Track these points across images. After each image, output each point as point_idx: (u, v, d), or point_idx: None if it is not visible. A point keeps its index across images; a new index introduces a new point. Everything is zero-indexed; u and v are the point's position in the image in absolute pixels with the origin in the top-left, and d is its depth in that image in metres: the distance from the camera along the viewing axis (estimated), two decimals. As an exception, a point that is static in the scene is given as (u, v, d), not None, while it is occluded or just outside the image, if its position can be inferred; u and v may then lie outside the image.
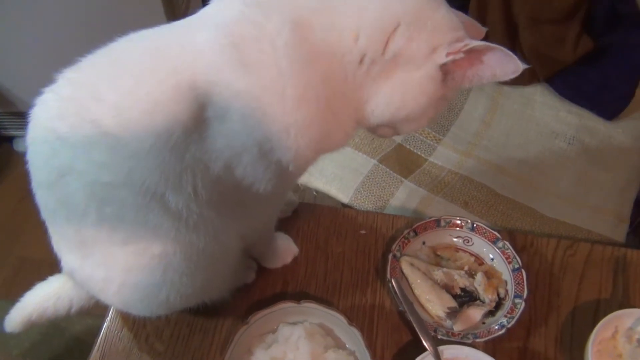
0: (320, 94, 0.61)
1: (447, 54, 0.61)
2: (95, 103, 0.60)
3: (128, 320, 0.87)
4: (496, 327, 0.81)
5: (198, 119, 0.59)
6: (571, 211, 1.33)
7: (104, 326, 0.87)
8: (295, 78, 0.59)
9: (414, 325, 0.79)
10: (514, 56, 0.60)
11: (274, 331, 0.82)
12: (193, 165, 0.61)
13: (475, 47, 0.61)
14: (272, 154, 0.61)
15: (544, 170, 1.42)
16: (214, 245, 0.71)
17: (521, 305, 0.82)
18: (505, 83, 1.56)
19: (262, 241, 0.88)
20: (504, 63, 0.61)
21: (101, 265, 0.69)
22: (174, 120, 0.58)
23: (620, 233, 1.31)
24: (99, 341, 0.86)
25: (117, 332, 0.86)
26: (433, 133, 1.46)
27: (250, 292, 0.89)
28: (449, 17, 0.64)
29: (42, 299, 0.82)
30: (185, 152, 0.60)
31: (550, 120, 1.49)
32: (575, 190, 1.37)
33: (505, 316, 0.82)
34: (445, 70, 0.63)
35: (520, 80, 1.55)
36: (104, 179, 0.61)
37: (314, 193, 1.32)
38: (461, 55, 0.61)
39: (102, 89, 0.61)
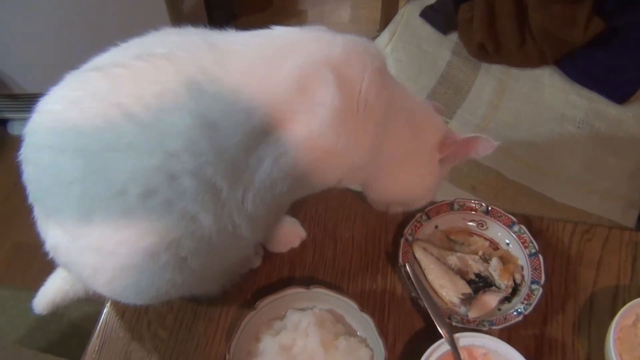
0: None
1: (444, 150, 0.79)
2: (195, 92, 0.60)
3: (129, 305, 0.83)
4: (513, 314, 0.78)
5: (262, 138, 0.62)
6: (580, 196, 1.31)
7: (104, 312, 0.84)
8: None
9: (429, 311, 0.76)
10: (489, 139, 0.76)
11: (281, 317, 0.79)
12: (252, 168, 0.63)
13: (463, 140, 0.78)
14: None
15: (552, 154, 1.40)
16: (232, 245, 0.70)
17: (538, 292, 0.79)
18: (514, 65, 1.53)
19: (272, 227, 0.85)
20: (483, 145, 0.77)
21: (94, 251, 0.64)
22: (257, 125, 0.61)
23: (630, 218, 1.29)
24: (98, 327, 0.82)
25: (118, 318, 0.83)
26: (440, 116, 1.43)
27: (256, 278, 0.86)
28: (436, 118, 0.81)
29: (61, 282, 0.80)
30: (249, 157, 0.62)
31: (559, 103, 1.47)
32: (585, 175, 1.35)
33: (522, 303, 0.79)
34: (441, 159, 0.80)
35: (529, 63, 1.52)
36: (170, 167, 0.59)
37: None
38: (453, 148, 0.78)
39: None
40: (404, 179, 0.80)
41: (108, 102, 0.60)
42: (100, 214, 0.62)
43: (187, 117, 0.60)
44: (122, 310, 0.84)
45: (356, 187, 0.93)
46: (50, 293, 0.81)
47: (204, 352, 0.80)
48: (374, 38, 1.68)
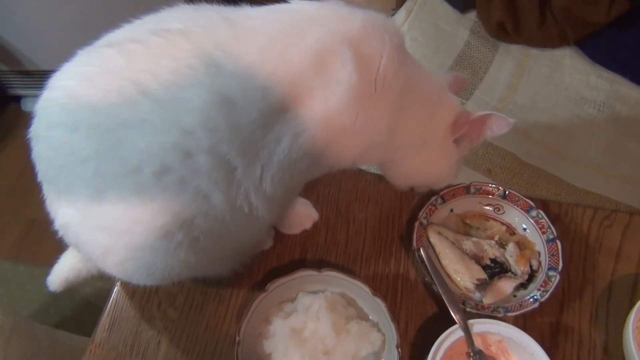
0: None
1: (456, 131, 0.76)
2: (215, 69, 0.59)
3: (139, 285, 0.82)
4: (529, 301, 0.76)
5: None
6: (599, 181, 1.27)
7: (114, 290, 0.83)
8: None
9: (443, 296, 0.74)
10: (504, 116, 0.73)
11: (292, 300, 0.78)
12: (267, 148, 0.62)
13: (476, 118, 0.74)
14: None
15: (571, 137, 1.35)
16: (247, 226, 0.69)
17: (555, 279, 0.77)
18: (534, 45, 1.49)
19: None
20: (498, 123, 0.74)
21: (106, 231, 0.63)
22: (275, 102, 0.59)
23: (651, 205, 1.25)
24: (109, 306, 0.82)
25: (128, 298, 0.83)
26: (456, 97, 1.40)
27: (267, 259, 0.85)
28: (450, 98, 0.77)
29: (75, 260, 0.80)
30: (267, 135, 0.61)
31: (580, 85, 1.42)
32: (604, 160, 1.31)
33: (538, 289, 0.77)
34: (456, 140, 0.78)
35: (550, 43, 1.47)
36: (185, 144, 0.58)
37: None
38: (466, 127, 0.75)
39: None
40: (420, 163, 0.78)
41: (123, 78, 0.59)
42: (114, 192, 0.61)
43: (203, 94, 0.58)
44: (133, 289, 0.83)
45: (369, 168, 0.92)
46: (64, 271, 0.81)
47: (214, 333, 0.79)
48: (390, 16, 1.64)
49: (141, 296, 0.83)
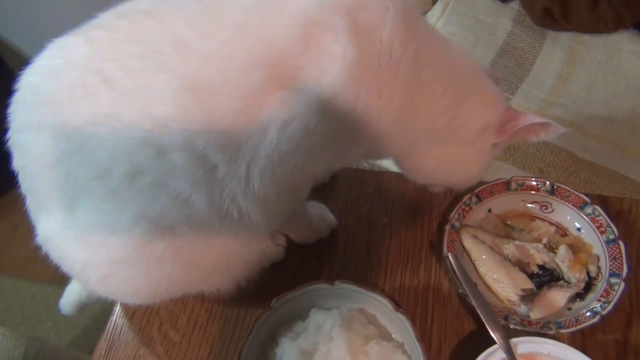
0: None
1: (502, 135, 0.66)
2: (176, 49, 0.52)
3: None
4: (587, 315, 0.64)
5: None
6: (670, 177, 1.13)
7: (114, 311, 0.76)
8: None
9: (478, 311, 0.63)
10: (556, 125, 0.64)
11: (304, 318, 0.68)
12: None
13: (525, 127, 0.65)
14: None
15: (634, 129, 1.23)
16: (241, 234, 0.61)
17: (619, 287, 0.65)
18: (586, 31, 1.35)
19: (292, 213, 0.74)
20: (547, 130, 0.65)
21: (82, 243, 0.57)
22: (257, 85, 0.51)
23: None
24: (107, 329, 0.75)
25: (128, 319, 0.75)
26: (500, 91, 1.28)
27: (279, 273, 0.75)
28: (494, 90, 0.67)
29: None
30: (250, 125, 0.52)
31: (642, 71, 1.28)
32: (675, 153, 1.16)
33: (599, 300, 0.65)
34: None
35: (604, 27, 1.34)
36: (157, 140, 0.51)
37: (364, 164, 1.17)
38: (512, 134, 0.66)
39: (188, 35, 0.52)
40: (444, 159, 0.67)
41: (87, 69, 0.53)
42: (86, 199, 0.55)
43: (173, 81, 0.51)
44: (133, 310, 0.76)
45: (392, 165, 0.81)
46: (75, 292, 0.77)
47: (219, 357, 0.71)
48: (425, 12, 1.54)
49: (141, 317, 0.75)
